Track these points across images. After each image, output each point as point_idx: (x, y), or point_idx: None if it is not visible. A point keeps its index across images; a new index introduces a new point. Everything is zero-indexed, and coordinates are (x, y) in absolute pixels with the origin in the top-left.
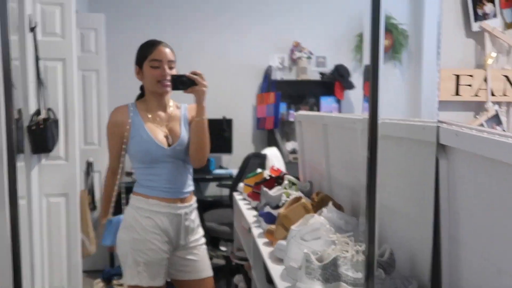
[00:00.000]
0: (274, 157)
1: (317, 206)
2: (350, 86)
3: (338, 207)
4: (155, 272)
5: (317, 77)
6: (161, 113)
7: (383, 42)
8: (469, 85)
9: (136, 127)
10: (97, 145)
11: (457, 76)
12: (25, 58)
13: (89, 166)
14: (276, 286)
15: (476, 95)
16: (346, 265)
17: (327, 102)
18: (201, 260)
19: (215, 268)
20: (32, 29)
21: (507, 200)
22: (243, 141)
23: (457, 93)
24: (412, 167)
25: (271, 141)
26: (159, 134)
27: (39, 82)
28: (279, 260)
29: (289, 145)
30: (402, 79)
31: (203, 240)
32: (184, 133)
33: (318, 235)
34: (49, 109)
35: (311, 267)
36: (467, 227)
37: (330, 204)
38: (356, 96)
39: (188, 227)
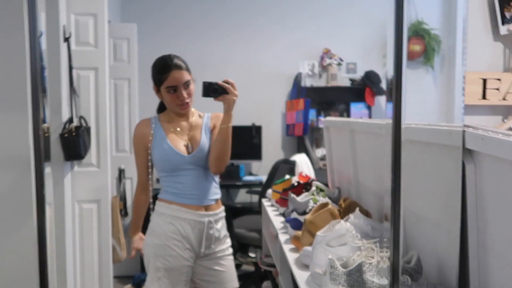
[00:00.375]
0: (303, 164)
1: (344, 212)
2: (380, 92)
3: (366, 213)
4: (176, 279)
5: (347, 83)
6: (183, 123)
7: (406, 46)
8: (497, 89)
9: (158, 138)
10: (128, 152)
11: (484, 80)
12: (59, 68)
13: (120, 173)
14: None
15: (504, 99)
16: (371, 271)
17: (357, 108)
18: (227, 271)
19: (245, 274)
20: (66, 39)
21: None
22: (272, 147)
23: (484, 97)
24: (439, 172)
25: (301, 148)
26: (180, 143)
27: (72, 90)
28: (305, 266)
29: (319, 152)
30: (434, 85)
31: (230, 250)
32: (204, 140)
33: (344, 241)
34: (81, 117)
35: (336, 273)
36: (496, 234)
37: (357, 210)
38: (386, 102)
39: (213, 236)
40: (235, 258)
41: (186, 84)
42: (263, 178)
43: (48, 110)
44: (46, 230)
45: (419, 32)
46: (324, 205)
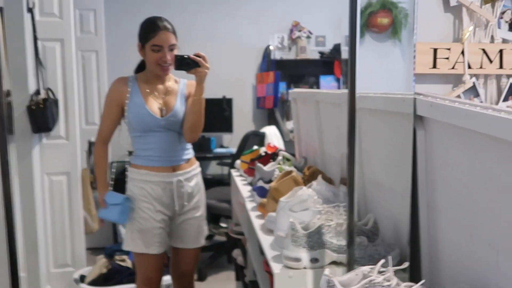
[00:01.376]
0: (273, 135)
1: (308, 180)
2: None
3: (329, 180)
4: (149, 240)
5: (316, 56)
6: (159, 86)
7: (359, 18)
8: (447, 58)
9: (134, 97)
10: (97, 124)
11: (435, 50)
12: (24, 39)
13: (90, 146)
14: (266, 255)
15: (454, 68)
16: (331, 233)
17: (326, 81)
18: (192, 230)
19: (216, 244)
20: (30, 10)
21: (479, 168)
22: (243, 120)
23: (434, 66)
24: (393, 139)
25: (271, 120)
26: (154, 105)
27: (38, 62)
28: (270, 231)
29: (289, 124)
30: (402, 57)
31: (201, 211)
32: (178, 106)
33: (306, 206)
34: (48, 89)
35: (297, 235)
36: (443, 194)
37: (319, 177)
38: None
39: (184, 194)
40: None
41: (171, 47)
42: (234, 150)
43: (10, 82)
44: (12, 199)
45: (387, 5)
46: (288, 172)
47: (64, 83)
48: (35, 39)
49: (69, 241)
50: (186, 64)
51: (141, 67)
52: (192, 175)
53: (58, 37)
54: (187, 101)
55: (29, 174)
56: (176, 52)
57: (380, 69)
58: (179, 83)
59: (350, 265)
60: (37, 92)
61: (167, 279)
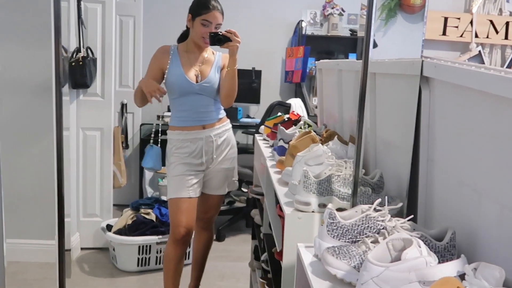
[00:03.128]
0: (297, 107)
1: (325, 141)
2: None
3: (344, 142)
4: (180, 187)
5: (347, 34)
6: (198, 56)
7: None
8: (456, 27)
9: (174, 64)
10: (131, 88)
11: (446, 18)
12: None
13: (123, 107)
14: (279, 201)
15: (462, 36)
16: (339, 182)
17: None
18: (218, 179)
19: (236, 209)
20: None
21: (471, 121)
22: (270, 92)
23: (444, 34)
24: (401, 100)
25: (298, 94)
26: (191, 72)
27: (80, 22)
28: (286, 184)
29: (315, 100)
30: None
31: (230, 163)
32: (212, 75)
33: (320, 161)
34: (88, 48)
35: (308, 182)
36: (441, 149)
37: (335, 137)
38: (380, 55)
39: (213, 147)
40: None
41: (218, 26)
42: (260, 121)
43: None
44: (63, 153)
45: None
46: (307, 132)
47: (103, 43)
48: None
49: (98, 193)
50: (219, 40)
51: (182, 38)
52: (221, 131)
53: (100, 0)
54: (221, 71)
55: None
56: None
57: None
58: (215, 54)
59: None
60: (78, 50)
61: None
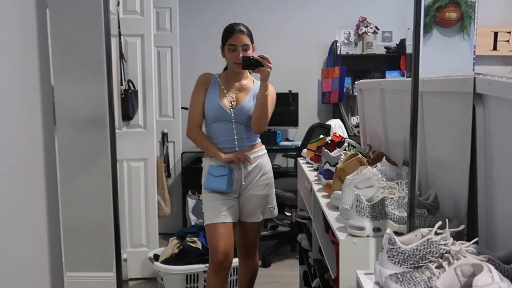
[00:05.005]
0: (337, 128)
1: (372, 162)
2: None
3: (392, 163)
4: (216, 212)
5: (382, 51)
6: (236, 84)
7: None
8: (507, 41)
9: (212, 91)
10: (171, 117)
11: (496, 33)
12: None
13: (164, 137)
14: (332, 227)
15: None
16: (393, 205)
17: (392, 76)
18: (252, 206)
19: (280, 233)
20: (116, 6)
21: None
22: (308, 114)
23: (495, 48)
24: (453, 118)
25: (336, 115)
26: (226, 99)
27: (121, 56)
28: (335, 208)
29: (354, 119)
30: (470, 52)
31: (264, 190)
32: (246, 102)
33: (370, 184)
34: (129, 81)
35: (361, 206)
36: (501, 167)
37: (384, 158)
38: (421, 70)
39: (242, 173)
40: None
41: (245, 47)
42: (299, 143)
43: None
44: (117, 183)
45: (455, 0)
46: (354, 155)
47: (143, 76)
48: (119, 34)
49: (144, 223)
50: (250, 64)
51: (226, 68)
52: (253, 157)
53: (139, 33)
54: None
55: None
56: (251, 53)
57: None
58: (255, 83)
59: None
60: (120, 83)
61: (236, 260)
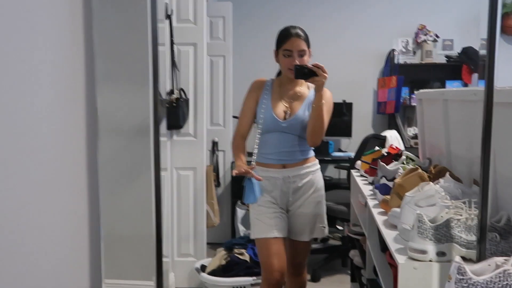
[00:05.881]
0: (394, 139)
1: (434, 178)
2: (479, 69)
3: (456, 179)
4: (264, 226)
5: (442, 60)
6: (290, 91)
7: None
8: None
9: (264, 98)
10: (222, 126)
11: None
12: (162, 43)
13: (214, 145)
14: (390, 248)
15: None
16: (459, 227)
17: (453, 86)
18: (300, 224)
19: (331, 247)
20: (168, 16)
21: None
22: (362, 125)
23: None
24: None
25: (392, 126)
26: (279, 108)
27: (173, 64)
28: (393, 227)
29: (411, 131)
30: None
31: (313, 208)
32: (301, 112)
33: (432, 202)
34: (181, 89)
35: (423, 227)
36: None
37: (447, 174)
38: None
39: (290, 189)
40: None
41: (301, 53)
42: (352, 154)
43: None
44: (161, 193)
45: None
46: (414, 169)
47: (195, 84)
48: (172, 43)
49: (192, 233)
50: (304, 73)
51: (279, 73)
52: (304, 172)
53: (192, 42)
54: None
55: (163, 168)
56: (307, 59)
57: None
58: (310, 89)
59: (480, 260)
60: (171, 92)
61: None
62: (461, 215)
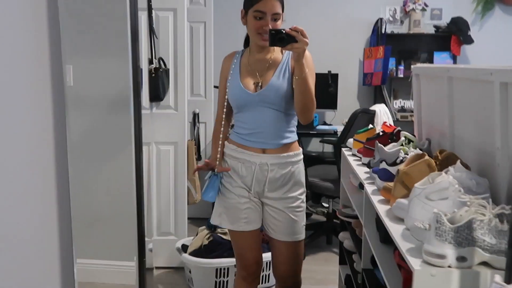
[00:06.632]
0: (383, 114)
1: (442, 165)
2: (469, 40)
3: (466, 167)
4: (234, 216)
5: (431, 30)
6: (261, 59)
7: None
8: None
9: (233, 72)
10: (203, 96)
11: None
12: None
13: (195, 117)
14: (398, 246)
15: None
16: (483, 229)
17: (441, 58)
18: (285, 222)
19: (315, 224)
20: None
21: None
22: (348, 97)
23: None
24: None
25: (378, 98)
26: (249, 79)
27: (152, 31)
28: (398, 219)
29: (397, 103)
30: None
31: (297, 202)
32: (275, 80)
33: (445, 195)
34: (160, 59)
35: (442, 228)
36: None
37: (458, 163)
38: (474, 52)
39: (266, 179)
40: (307, 208)
41: (275, 17)
42: (337, 127)
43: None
44: (142, 167)
45: None
46: (420, 156)
47: (175, 53)
48: (150, 8)
49: (172, 211)
50: (281, 39)
51: (247, 41)
52: (285, 162)
53: (171, 7)
54: (292, 74)
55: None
56: (280, 24)
57: (507, 45)
58: (284, 53)
59: (511, 270)
60: (150, 61)
61: (267, 255)
62: (484, 215)
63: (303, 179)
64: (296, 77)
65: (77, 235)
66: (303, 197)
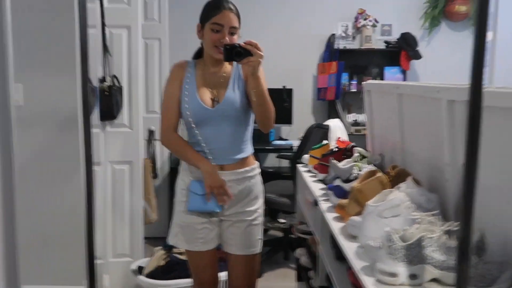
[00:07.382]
0: (337, 129)
1: (394, 181)
2: (417, 56)
3: (417, 183)
4: (190, 236)
5: (381, 46)
6: (216, 73)
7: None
8: None
9: (188, 85)
10: (158, 113)
11: None
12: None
13: (150, 135)
14: (351, 265)
15: None
16: (432, 246)
17: (391, 73)
18: (243, 235)
19: (273, 240)
20: None
21: None
22: (303, 112)
23: None
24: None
25: (332, 113)
26: (206, 95)
27: (105, 49)
28: (352, 237)
29: (351, 117)
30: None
31: (252, 215)
32: (230, 93)
33: (397, 212)
34: (114, 76)
35: (394, 247)
36: None
37: (410, 179)
38: (422, 67)
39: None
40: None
41: (232, 30)
42: (293, 142)
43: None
44: (93, 190)
45: None
46: (373, 173)
47: (129, 70)
48: (103, 25)
49: (128, 232)
50: (237, 54)
51: (198, 53)
52: (243, 177)
53: (125, 24)
54: (245, 84)
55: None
56: (236, 39)
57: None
58: (233, 65)
59: (460, 286)
60: (103, 79)
61: (224, 275)
62: (433, 232)
63: (260, 193)
64: (254, 90)
65: (24, 260)
66: (261, 210)
